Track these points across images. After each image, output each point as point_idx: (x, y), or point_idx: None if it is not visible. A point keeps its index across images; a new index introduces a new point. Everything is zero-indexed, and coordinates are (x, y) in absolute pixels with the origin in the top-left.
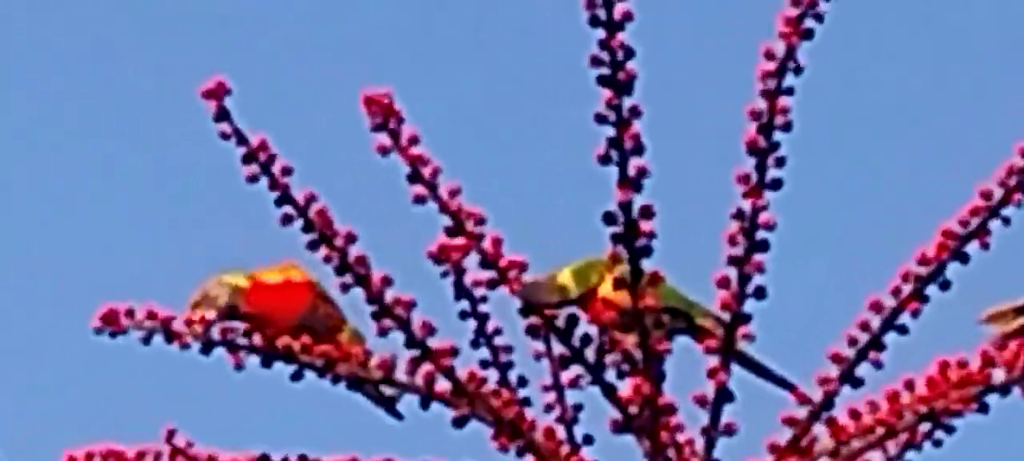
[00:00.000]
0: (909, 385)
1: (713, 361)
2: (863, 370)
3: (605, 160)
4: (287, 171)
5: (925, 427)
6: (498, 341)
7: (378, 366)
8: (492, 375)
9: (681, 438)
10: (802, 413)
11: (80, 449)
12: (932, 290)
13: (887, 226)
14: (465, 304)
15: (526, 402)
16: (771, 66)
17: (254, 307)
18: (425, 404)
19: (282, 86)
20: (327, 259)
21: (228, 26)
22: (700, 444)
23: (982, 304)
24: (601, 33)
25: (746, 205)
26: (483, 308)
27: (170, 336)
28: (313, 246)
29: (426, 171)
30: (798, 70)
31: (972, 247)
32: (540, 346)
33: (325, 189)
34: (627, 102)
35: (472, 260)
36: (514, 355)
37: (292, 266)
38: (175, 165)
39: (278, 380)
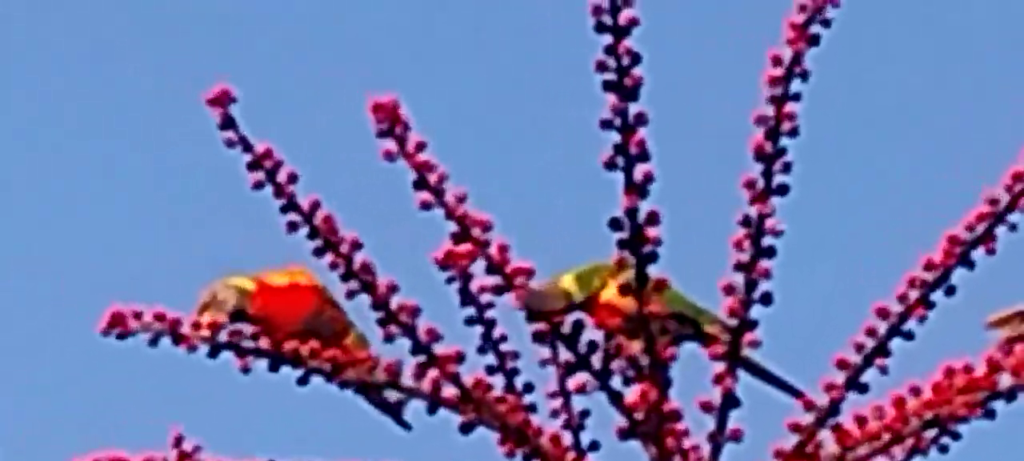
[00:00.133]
0: (915, 391)
1: (719, 367)
2: (869, 376)
3: (611, 166)
4: (292, 178)
5: (931, 433)
6: (504, 347)
7: (384, 371)
8: (498, 381)
9: (687, 444)
10: (808, 419)
11: (85, 457)
12: (938, 296)
13: (893, 232)
14: (471, 310)
15: (532, 408)
16: (778, 72)
17: (260, 310)
18: (432, 410)
19: (286, 89)
20: (333, 265)
21: (232, 27)
22: (706, 450)
23: (988, 310)
24: (607, 38)
25: (752, 211)
26: (489, 314)
27: (178, 338)
28: (318, 252)
29: (432, 177)
30: (804, 76)
31: (978, 253)
32: (546, 352)
33: (330, 193)
34: (633, 108)
35: (478, 266)
36: (520, 361)
37: (298, 270)
38: (179, 166)
39: (283, 385)
